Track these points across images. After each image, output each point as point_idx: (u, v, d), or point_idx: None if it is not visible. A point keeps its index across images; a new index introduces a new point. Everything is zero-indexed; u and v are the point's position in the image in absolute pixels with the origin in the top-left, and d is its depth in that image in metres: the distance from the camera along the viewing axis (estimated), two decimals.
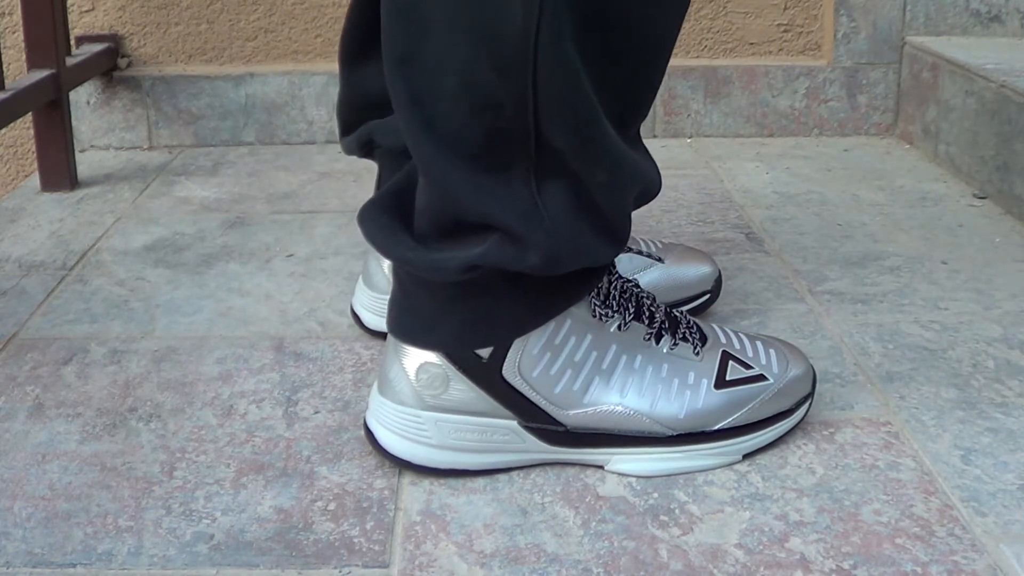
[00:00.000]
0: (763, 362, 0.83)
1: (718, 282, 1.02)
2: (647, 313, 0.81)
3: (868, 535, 0.71)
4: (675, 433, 0.79)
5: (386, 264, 0.99)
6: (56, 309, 1.07)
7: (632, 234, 1.07)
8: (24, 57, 1.44)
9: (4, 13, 1.64)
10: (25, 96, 1.34)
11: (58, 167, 1.45)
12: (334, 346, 0.99)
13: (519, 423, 0.78)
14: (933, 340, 0.99)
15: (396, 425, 0.79)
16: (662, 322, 0.81)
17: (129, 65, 1.66)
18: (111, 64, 1.63)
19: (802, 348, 0.97)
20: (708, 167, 1.53)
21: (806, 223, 1.30)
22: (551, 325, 0.77)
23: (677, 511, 0.74)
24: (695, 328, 0.83)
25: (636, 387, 0.79)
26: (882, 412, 0.87)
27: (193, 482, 0.78)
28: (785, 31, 1.70)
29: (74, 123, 1.53)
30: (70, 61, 1.48)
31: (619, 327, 0.79)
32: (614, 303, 0.79)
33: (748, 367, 0.82)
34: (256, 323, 1.04)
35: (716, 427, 0.79)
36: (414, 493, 0.76)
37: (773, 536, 0.71)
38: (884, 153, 1.60)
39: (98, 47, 1.61)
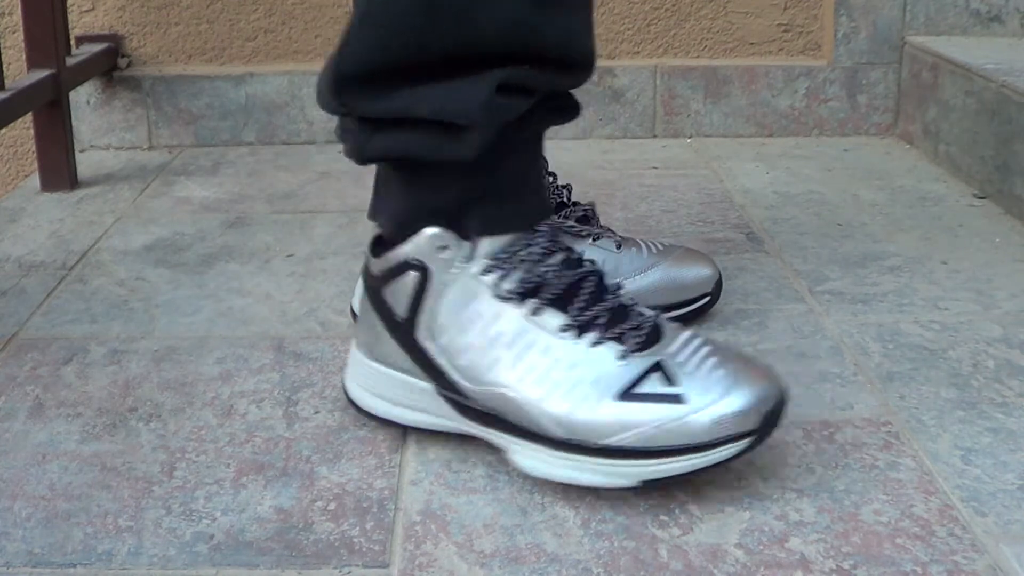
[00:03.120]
0: (696, 383, 0.73)
1: (718, 284, 1.02)
2: (580, 302, 0.76)
3: (868, 535, 0.72)
4: (561, 437, 0.74)
5: None
6: (56, 309, 1.07)
7: (632, 235, 1.07)
8: (24, 57, 1.44)
9: (4, 13, 1.64)
10: (25, 96, 1.34)
11: (58, 167, 1.45)
12: (334, 346, 0.99)
13: (435, 388, 0.79)
14: (933, 340, 0.99)
15: (353, 370, 0.85)
16: (595, 316, 0.76)
17: (129, 65, 1.66)
18: (111, 64, 1.63)
19: (802, 348, 0.97)
20: (708, 167, 1.53)
21: (806, 223, 1.30)
22: (458, 298, 0.77)
23: (677, 511, 0.74)
24: (644, 329, 0.76)
25: (536, 377, 0.75)
26: (882, 412, 0.87)
27: (193, 482, 0.78)
28: (785, 31, 1.70)
29: (74, 123, 1.53)
30: (70, 61, 1.48)
31: (533, 311, 0.76)
32: (530, 286, 0.76)
33: (671, 383, 0.74)
34: (256, 323, 1.04)
35: (600, 443, 0.73)
36: (414, 493, 0.76)
37: (773, 536, 0.71)
38: (884, 153, 1.60)
39: (98, 47, 1.61)
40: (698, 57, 1.70)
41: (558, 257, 0.78)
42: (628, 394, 0.74)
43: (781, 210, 1.35)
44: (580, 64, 0.79)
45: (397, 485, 0.77)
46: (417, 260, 0.78)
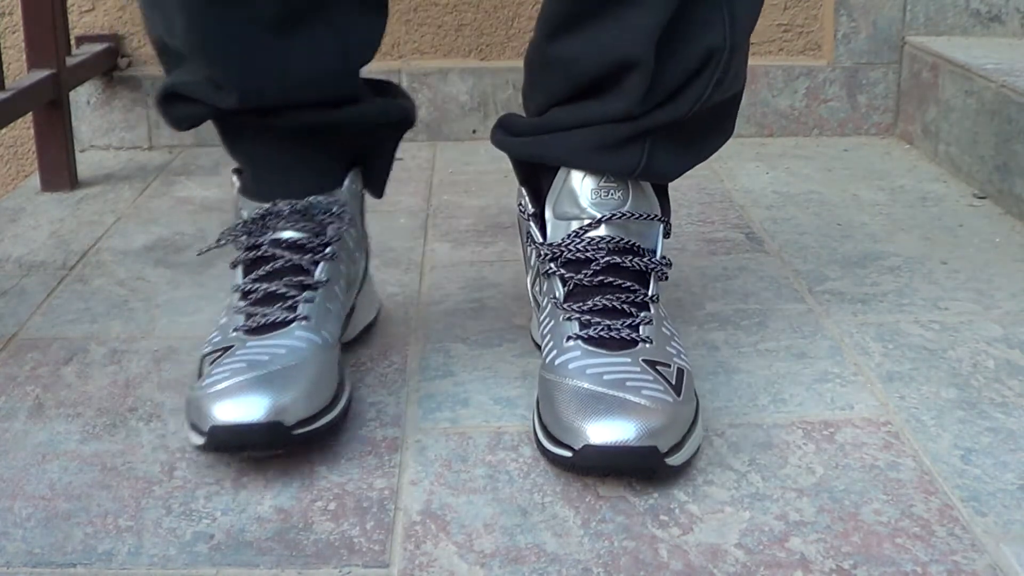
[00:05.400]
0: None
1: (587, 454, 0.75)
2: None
3: (868, 535, 0.72)
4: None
5: None
6: (56, 309, 1.07)
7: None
8: (24, 57, 1.44)
9: (4, 13, 1.64)
10: (25, 96, 1.34)
11: (58, 167, 1.45)
12: None
13: None
14: (933, 340, 0.99)
15: None
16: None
17: (129, 65, 1.66)
18: (111, 64, 1.63)
19: (802, 348, 0.97)
20: (708, 167, 1.53)
21: (806, 223, 1.30)
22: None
23: (677, 511, 0.74)
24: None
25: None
26: (882, 412, 0.87)
27: (193, 482, 0.78)
28: (785, 31, 1.70)
29: (74, 123, 1.53)
30: (70, 61, 1.48)
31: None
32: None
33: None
34: None
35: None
36: (414, 493, 0.76)
37: (773, 536, 0.71)
38: (884, 153, 1.60)
39: (98, 47, 1.61)
40: None
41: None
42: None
43: (781, 210, 1.35)
44: None
45: (397, 485, 0.77)
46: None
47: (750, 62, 1.66)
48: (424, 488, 0.77)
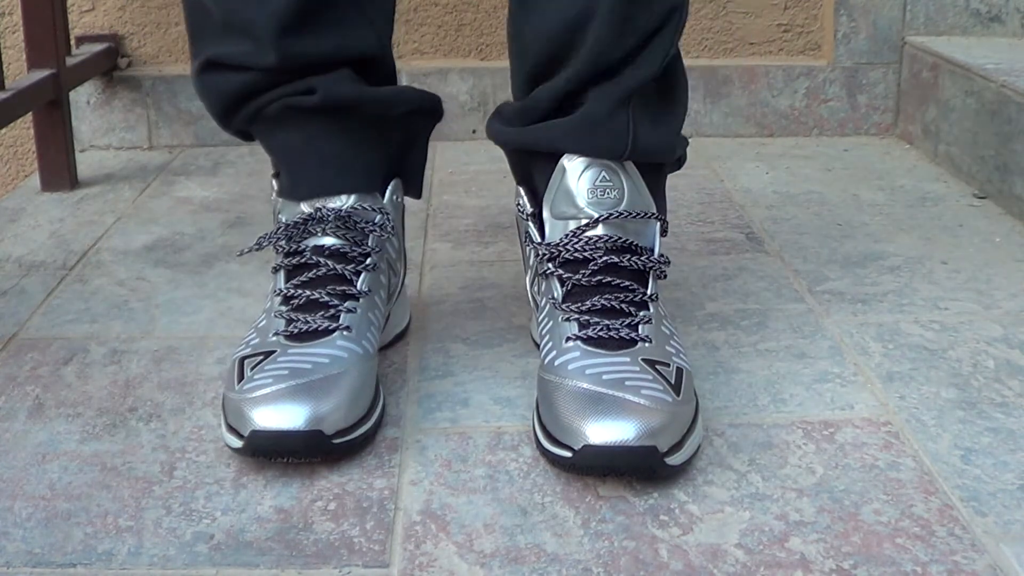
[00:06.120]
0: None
1: (584, 455, 0.77)
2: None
3: (868, 535, 0.72)
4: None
5: None
6: (56, 309, 1.08)
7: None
8: (24, 57, 1.44)
9: (4, 13, 1.64)
10: (25, 96, 1.34)
11: (58, 167, 1.45)
12: None
13: None
14: (933, 340, 0.99)
15: None
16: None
17: (129, 65, 1.66)
18: (111, 64, 1.63)
19: (802, 348, 0.97)
20: (708, 167, 1.53)
21: (806, 223, 1.30)
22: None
23: (677, 511, 0.74)
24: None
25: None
26: (882, 412, 0.87)
27: (193, 482, 0.78)
28: (785, 31, 1.70)
29: (74, 123, 1.53)
30: (70, 61, 1.48)
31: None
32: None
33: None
34: None
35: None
36: (414, 493, 0.76)
37: (773, 536, 0.72)
38: (884, 153, 1.60)
39: (98, 47, 1.61)
40: (698, 57, 1.69)
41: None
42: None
43: (781, 210, 1.35)
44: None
45: (397, 485, 0.77)
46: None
47: (750, 62, 1.67)
48: (424, 488, 0.77)
